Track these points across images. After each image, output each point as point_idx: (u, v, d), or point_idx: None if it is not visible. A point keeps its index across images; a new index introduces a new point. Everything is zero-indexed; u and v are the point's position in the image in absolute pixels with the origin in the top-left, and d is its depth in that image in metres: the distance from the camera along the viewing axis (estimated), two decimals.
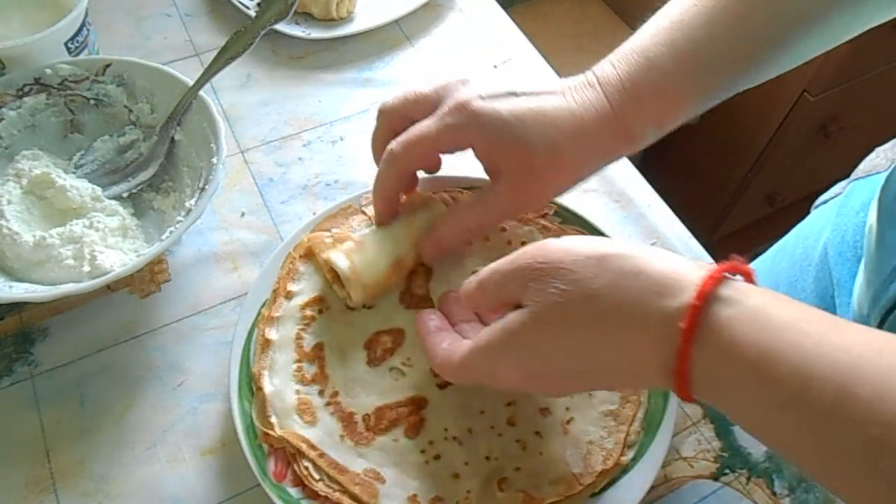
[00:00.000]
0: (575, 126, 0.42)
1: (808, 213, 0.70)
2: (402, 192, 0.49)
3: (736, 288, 0.31)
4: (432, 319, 0.43)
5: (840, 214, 0.60)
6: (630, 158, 0.66)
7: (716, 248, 0.52)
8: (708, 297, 0.31)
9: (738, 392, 0.31)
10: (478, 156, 0.45)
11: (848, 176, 0.64)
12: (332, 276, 0.49)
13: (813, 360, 0.28)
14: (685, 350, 0.31)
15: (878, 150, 0.61)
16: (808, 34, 0.44)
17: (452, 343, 0.40)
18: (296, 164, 0.63)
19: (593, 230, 0.53)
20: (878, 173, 0.59)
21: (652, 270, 0.33)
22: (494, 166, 0.44)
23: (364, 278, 0.47)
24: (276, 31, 0.68)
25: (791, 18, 0.43)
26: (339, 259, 0.47)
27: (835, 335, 0.29)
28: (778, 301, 0.31)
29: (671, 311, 0.31)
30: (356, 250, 0.48)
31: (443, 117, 0.43)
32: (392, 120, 0.46)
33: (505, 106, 0.42)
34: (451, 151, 0.46)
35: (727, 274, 0.32)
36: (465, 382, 0.42)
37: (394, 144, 0.44)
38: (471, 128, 0.42)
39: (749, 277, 0.33)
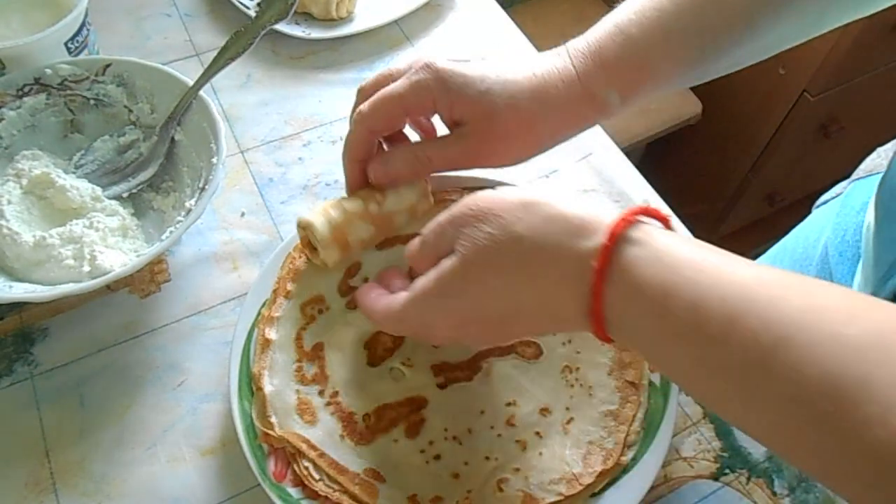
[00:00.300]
0: (537, 87, 0.43)
1: (808, 213, 0.70)
2: (370, 154, 0.48)
3: (645, 230, 0.33)
4: (373, 289, 0.44)
5: (841, 214, 0.60)
6: (630, 158, 0.66)
7: None
8: (618, 237, 0.33)
9: (644, 328, 0.32)
10: (443, 117, 0.45)
11: (848, 176, 0.64)
12: (307, 245, 0.49)
13: (707, 294, 0.30)
14: (598, 288, 0.32)
15: (879, 149, 0.62)
16: (779, 19, 0.44)
17: (391, 298, 0.41)
18: (296, 164, 0.63)
19: None
20: (878, 173, 0.59)
21: (571, 214, 0.35)
22: (459, 121, 0.44)
23: (322, 207, 0.47)
24: (276, 31, 0.68)
25: (763, 0, 0.43)
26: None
27: (730, 272, 0.30)
28: (683, 242, 0.33)
29: (587, 251, 0.33)
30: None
31: (409, 76, 0.44)
32: (368, 97, 0.46)
33: (469, 66, 0.43)
34: (420, 115, 0.46)
35: (641, 218, 0.34)
36: (405, 334, 0.43)
37: (362, 105, 0.45)
38: (435, 84, 0.43)
39: (667, 224, 0.35)
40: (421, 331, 0.40)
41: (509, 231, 0.35)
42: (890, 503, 0.25)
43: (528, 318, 0.36)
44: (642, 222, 0.34)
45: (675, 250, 0.32)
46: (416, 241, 0.41)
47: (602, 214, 0.34)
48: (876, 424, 0.25)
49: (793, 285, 0.29)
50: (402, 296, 0.39)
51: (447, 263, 0.37)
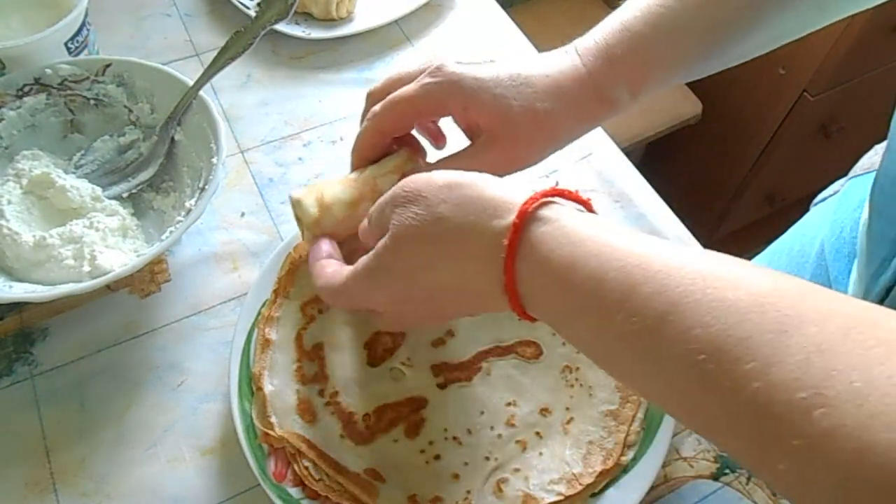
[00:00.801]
0: (549, 86, 0.44)
1: (807, 212, 0.70)
2: (377, 154, 0.48)
3: (555, 209, 0.34)
4: (324, 246, 0.44)
5: (838, 212, 0.60)
6: (630, 158, 0.66)
7: (716, 248, 0.52)
8: (527, 216, 0.34)
9: (552, 301, 0.34)
10: (456, 119, 0.46)
11: (847, 174, 0.64)
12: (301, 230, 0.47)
13: (607, 264, 0.31)
14: (510, 264, 0.34)
15: (877, 147, 0.62)
16: (784, 12, 0.45)
17: (336, 269, 0.42)
18: (296, 164, 0.63)
19: None
20: (875, 170, 0.59)
21: (488, 194, 0.36)
22: (473, 126, 0.45)
23: (312, 186, 0.46)
24: (276, 31, 0.68)
25: None
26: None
27: (629, 245, 0.32)
28: (589, 220, 0.34)
29: (500, 229, 0.34)
30: None
31: (420, 80, 0.44)
32: (378, 101, 0.47)
33: (481, 69, 0.44)
34: (431, 117, 0.47)
35: (555, 199, 0.35)
36: (346, 307, 0.44)
37: (376, 107, 0.46)
38: (447, 88, 0.43)
39: (587, 205, 0.36)
40: (362, 306, 0.41)
41: (432, 211, 0.36)
42: (768, 456, 0.26)
43: (453, 296, 0.38)
44: (554, 202, 0.35)
45: (581, 227, 0.33)
46: (365, 220, 0.42)
47: (516, 195, 0.35)
48: (754, 379, 0.26)
49: (688, 258, 0.31)
50: (344, 272, 0.41)
51: (381, 243, 0.38)
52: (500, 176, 0.47)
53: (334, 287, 0.41)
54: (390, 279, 0.38)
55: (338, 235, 0.45)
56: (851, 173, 0.63)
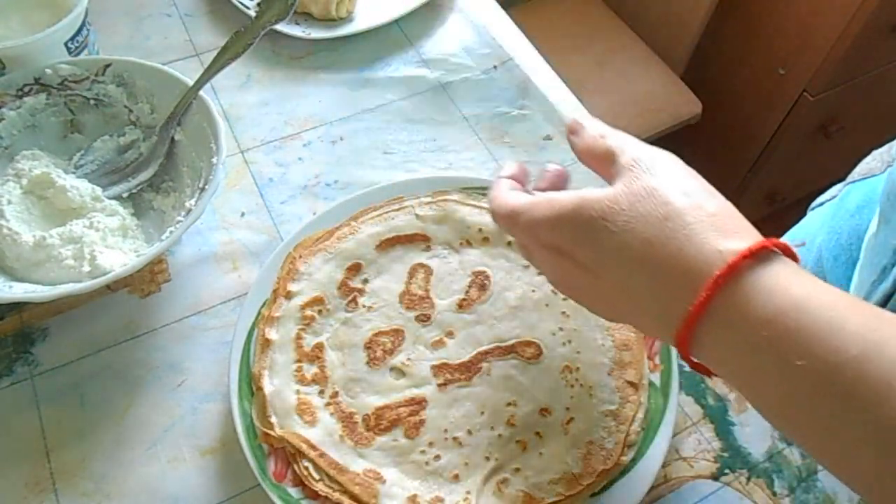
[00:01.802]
0: None
1: (806, 214, 0.70)
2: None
3: (765, 266, 0.32)
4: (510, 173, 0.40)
5: (835, 217, 0.60)
6: None
7: None
8: (732, 274, 0.31)
9: (741, 361, 0.31)
10: None
11: (845, 178, 0.64)
12: None
13: (830, 336, 0.28)
14: (692, 320, 0.31)
15: (874, 153, 0.62)
16: None
17: (520, 199, 0.37)
18: (296, 164, 0.63)
19: None
20: (873, 176, 0.59)
21: (702, 233, 0.33)
22: None
23: None
24: (276, 31, 0.68)
25: None
26: None
27: (866, 317, 0.29)
28: (801, 279, 0.31)
29: (701, 277, 0.31)
30: None
31: None
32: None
33: None
34: None
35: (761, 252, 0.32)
36: (506, 228, 0.39)
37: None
38: None
39: (793, 257, 0.33)
40: (523, 232, 0.37)
41: (666, 200, 0.33)
42: None
43: (624, 301, 0.35)
44: (762, 255, 0.32)
45: (788, 285, 0.30)
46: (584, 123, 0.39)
47: (728, 242, 0.32)
48: None
49: None
50: (527, 203, 0.36)
51: (598, 195, 0.34)
52: None
53: (507, 206, 0.37)
54: (573, 234, 0.34)
55: None
56: (849, 179, 0.63)
